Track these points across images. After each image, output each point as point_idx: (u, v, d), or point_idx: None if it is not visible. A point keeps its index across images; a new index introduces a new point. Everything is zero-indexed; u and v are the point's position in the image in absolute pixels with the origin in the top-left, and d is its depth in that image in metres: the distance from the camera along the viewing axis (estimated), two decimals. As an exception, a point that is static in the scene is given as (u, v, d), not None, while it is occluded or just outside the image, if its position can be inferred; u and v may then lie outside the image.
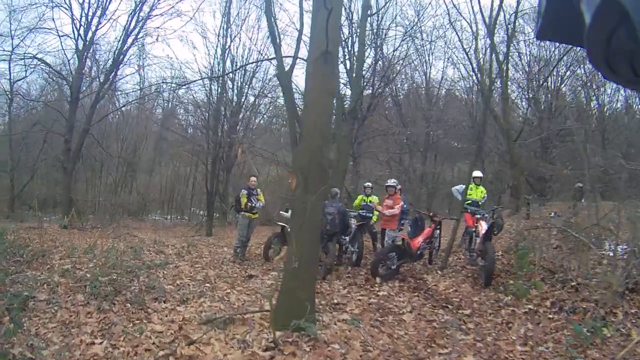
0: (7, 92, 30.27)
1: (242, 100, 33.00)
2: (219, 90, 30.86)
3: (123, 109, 39.28)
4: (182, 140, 37.64)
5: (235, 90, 32.35)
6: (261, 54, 31.09)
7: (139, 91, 36.82)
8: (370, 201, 15.36)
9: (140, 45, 31.32)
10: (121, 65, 29.77)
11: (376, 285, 11.29)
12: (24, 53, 27.52)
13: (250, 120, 35.69)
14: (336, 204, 12.92)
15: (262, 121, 38.12)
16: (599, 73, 0.95)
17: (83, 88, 28.91)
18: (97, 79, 29.94)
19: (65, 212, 25.05)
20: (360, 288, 11.19)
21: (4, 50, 28.47)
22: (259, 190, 14.51)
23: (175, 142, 38.89)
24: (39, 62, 28.08)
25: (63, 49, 28.75)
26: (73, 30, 26.97)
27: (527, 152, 28.95)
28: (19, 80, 31.34)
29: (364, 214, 14.83)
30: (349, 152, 17.73)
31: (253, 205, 14.19)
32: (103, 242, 17.40)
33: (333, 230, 12.51)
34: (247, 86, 33.10)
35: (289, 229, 11.83)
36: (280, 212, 15.95)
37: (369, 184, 16.46)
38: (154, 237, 22.95)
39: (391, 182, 14.69)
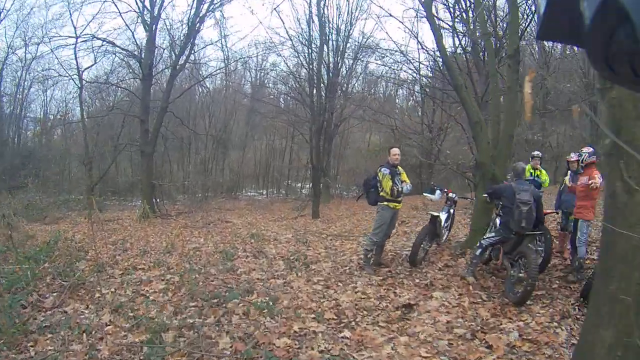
0: (75, 78, 27.20)
1: (339, 63, 28.95)
2: (316, 55, 26.01)
3: (209, 85, 37.68)
4: (276, 111, 33.90)
5: (331, 54, 28.05)
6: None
7: (222, 63, 34.62)
8: (537, 175, 11.27)
9: (217, 11, 28.14)
10: (198, 35, 26.49)
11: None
12: (91, 36, 24.80)
13: (349, 84, 32.22)
14: (527, 187, 8.36)
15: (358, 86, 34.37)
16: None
17: (156, 64, 25.91)
18: (172, 52, 26.04)
19: (147, 199, 22.86)
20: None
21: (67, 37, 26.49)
22: (400, 167, 9.90)
23: (268, 114, 34.83)
24: (107, 44, 25.15)
25: (127, 25, 24.81)
26: (136, 2, 23.84)
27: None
28: (89, 67, 29.71)
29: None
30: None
31: (400, 190, 9.59)
32: (187, 236, 15.61)
33: (528, 229, 8.08)
34: (344, 46, 29.40)
35: (442, 220, 10.28)
36: (424, 193, 12.47)
37: (538, 152, 12.11)
38: (250, 220, 20.40)
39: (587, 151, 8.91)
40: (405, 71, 26.95)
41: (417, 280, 8.77)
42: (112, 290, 8.37)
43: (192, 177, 33.09)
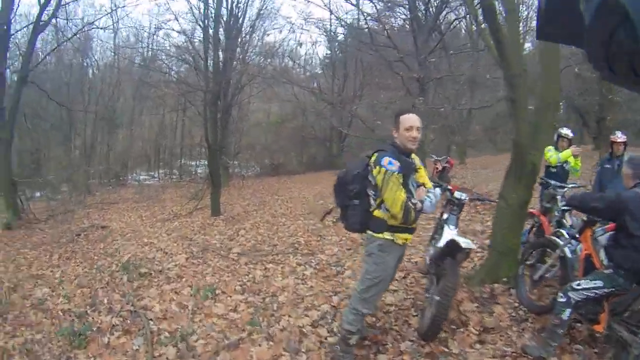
0: None
1: (240, 19, 24.80)
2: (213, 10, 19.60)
3: (96, 58, 34.17)
4: (166, 80, 26.43)
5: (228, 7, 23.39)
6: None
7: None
8: (565, 161, 7.96)
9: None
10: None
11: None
12: None
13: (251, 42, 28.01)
14: None
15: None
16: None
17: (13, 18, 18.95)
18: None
19: (8, 201, 17.27)
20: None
21: None
22: (416, 157, 4.57)
23: (157, 84, 27.81)
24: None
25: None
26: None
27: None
28: None
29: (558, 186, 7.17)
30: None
31: (420, 208, 4.26)
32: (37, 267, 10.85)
33: None
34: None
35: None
36: None
37: (567, 131, 8.28)
38: (133, 221, 16.30)
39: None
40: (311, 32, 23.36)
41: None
42: None
43: (69, 167, 26.61)
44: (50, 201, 21.51)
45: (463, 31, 26.38)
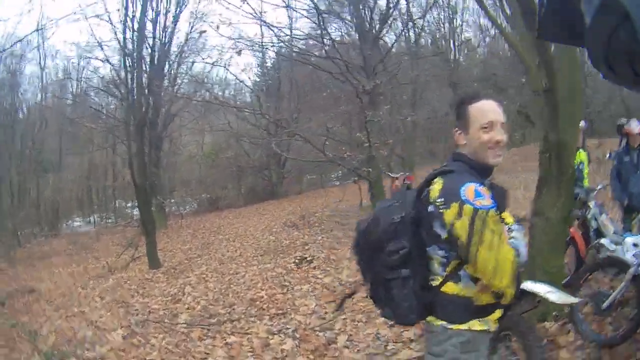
0: None
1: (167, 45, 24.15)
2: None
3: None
4: (94, 115, 24.67)
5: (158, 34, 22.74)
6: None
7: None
8: (580, 162, 6.82)
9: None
10: None
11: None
12: None
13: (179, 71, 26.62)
14: None
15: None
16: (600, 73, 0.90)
17: None
18: None
19: None
20: None
21: None
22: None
23: (82, 120, 25.06)
24: None
25: None
26: None
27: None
28: None
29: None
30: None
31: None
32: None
33: None
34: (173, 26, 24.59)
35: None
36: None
37: (582, 122, 6.69)
38: (63, 281, 13.60)
39: None
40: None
41: None
42: None
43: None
44: None
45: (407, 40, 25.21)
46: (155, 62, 21.13)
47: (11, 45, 23.86)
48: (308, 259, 9.78)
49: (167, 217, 23.50)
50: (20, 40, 25.16)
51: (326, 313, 6.40)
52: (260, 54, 27.24)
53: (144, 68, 17.25)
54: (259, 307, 7.26)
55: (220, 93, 30.57)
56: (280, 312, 6.81)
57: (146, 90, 15.89)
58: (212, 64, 25.52)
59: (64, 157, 34.40)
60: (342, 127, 17.52)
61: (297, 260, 9.55)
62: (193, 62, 27.30)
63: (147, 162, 16.77)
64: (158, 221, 20.38)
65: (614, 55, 0.76)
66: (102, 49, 19.89)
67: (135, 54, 14.87)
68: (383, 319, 4.69)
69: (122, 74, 16.31)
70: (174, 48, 25.43)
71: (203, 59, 25.65)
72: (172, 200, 28.92)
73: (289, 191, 27.60)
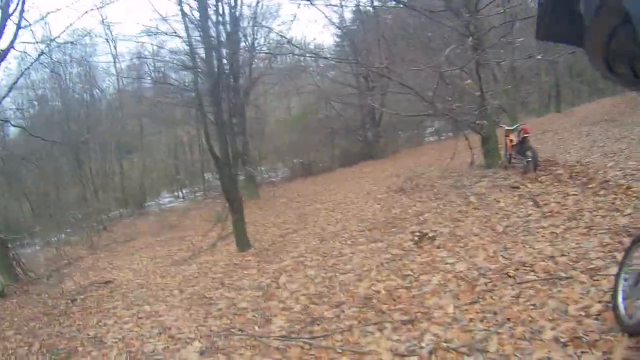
0: None
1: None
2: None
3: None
4: (174, 93, 23.01)
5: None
6: None
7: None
8: None
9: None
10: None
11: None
12: None
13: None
14: None
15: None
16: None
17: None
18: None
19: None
20: None
21: None
22: None
23: (166, 99, 24.01)
24: None
25: None
26: None
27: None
28: None
29: None
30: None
31: None
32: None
33: None
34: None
35: None
36: None
37: None
38: (144, 267, 12.66)
39: None
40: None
41: None
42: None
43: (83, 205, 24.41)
44: (59, 249, 18.33)
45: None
46: (228, 26, 19.56)
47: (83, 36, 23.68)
48: (429, 235, 7.73)
49: (258, 186, 22.21)
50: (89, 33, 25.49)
51: (471, 321, 4.52)
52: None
53: (215, 34, 15.70)
54: (376, 309, 5.39)
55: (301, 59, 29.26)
56: (407, 318, 4.91)
57: (221, 57, 14.24)
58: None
59: (147, 138, 34.43)
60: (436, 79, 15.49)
61: (415, 237, 7.70)
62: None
63: (230, 132, 15.11)
64: (249, 192, 19.65)
65: (614, 55, 0.75)
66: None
67: (200, 18, 13.23)
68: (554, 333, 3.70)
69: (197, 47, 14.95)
70: (246, 11, 23.58)
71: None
72: (263, 169, 27.95)
73: (385, 151, 25.71)
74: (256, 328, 5.90)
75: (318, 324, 5.46)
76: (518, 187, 9.35)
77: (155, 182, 34.04)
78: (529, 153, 10.50)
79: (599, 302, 3.99)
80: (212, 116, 11.93)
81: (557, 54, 13.79)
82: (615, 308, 3.55)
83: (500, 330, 4.08)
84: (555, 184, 8.95)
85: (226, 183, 11.56)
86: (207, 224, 15.85)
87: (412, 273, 6.35)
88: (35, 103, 29.95)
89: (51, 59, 19.36)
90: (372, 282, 6.40)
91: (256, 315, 6.43)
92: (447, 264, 6.23)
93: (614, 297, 3.61)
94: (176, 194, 34.44)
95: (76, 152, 27.01)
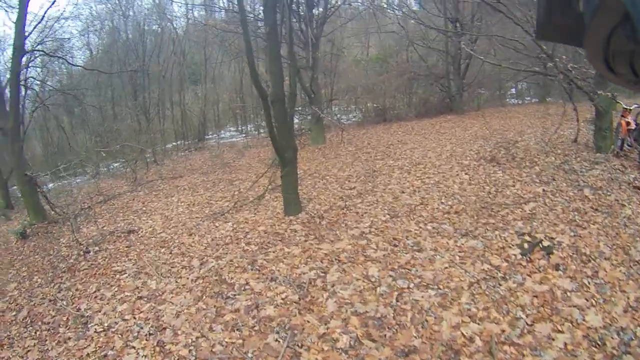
0: None
1: None
2: None
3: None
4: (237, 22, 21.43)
5: None
6: None
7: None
8: None
9: None
10: None
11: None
12: None
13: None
14: None
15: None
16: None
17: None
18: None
19: (28, 203, 12.90)
20: None
21: None
22: None
23: (234, 31, 21.53)
24: None
25: None
26: None
27: None
28: None
29: None
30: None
31: None
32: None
33: None
34: None
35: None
36: None
37: None
38: (177, 214, 11.09)
39: None
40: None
41: None
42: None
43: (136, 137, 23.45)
44: (97, 184, 17.72)
45: None
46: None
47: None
48: (542, 244, 5.52)
49: (325, 129, 20.05)
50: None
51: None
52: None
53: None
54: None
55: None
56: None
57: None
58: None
59: (213, 70, 33.02)
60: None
61: (524, 244, 5.68)
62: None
63: (293, 65, 12.68)
64: (315, 135, 18.43)
65: (614, 55, 0.75)
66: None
67: None
68: None
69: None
70: None
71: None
72: (334, 109, 26.06)
73: (467, 107, 23.30)
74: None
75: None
76: (642, 188, 7.22)
77: (220, 115, 33.00)
78: None
79: None
80: (269, 43, 9.64)
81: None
82: None
83: None
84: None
85: (276, 127, 9.13)
86: (263, 166, 14.32)
87: (522, 314, 4.30)
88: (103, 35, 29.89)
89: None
90: (462, 316, 4.36)
91: (280, 340, 4.53)
92: (573, 306, 4.22)
93: None
94: (241, 128, 33.17)
95: (133, 82, 26.78)
